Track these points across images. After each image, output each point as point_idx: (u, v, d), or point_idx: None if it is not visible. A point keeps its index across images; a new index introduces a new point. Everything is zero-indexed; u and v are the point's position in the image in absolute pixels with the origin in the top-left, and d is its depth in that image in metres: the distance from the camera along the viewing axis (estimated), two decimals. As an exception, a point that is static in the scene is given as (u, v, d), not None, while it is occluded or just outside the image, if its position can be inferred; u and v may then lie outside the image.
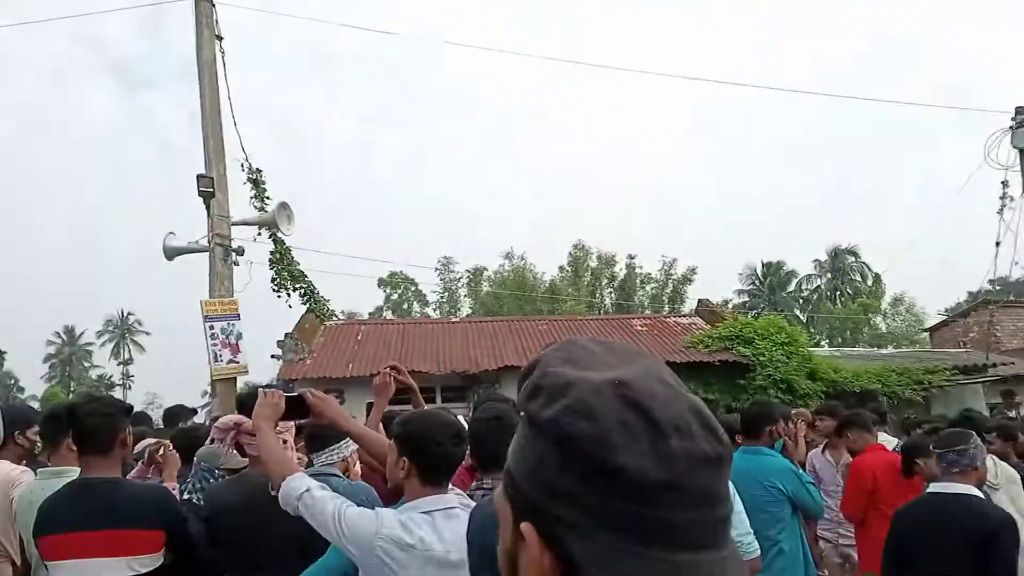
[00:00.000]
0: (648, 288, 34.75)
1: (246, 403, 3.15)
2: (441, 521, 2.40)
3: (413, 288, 39.31)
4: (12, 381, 59.06)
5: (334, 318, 17.05)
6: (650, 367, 0.76)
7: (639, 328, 17.13)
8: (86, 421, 2.99)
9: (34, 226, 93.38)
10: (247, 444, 3.18)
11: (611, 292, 35.14)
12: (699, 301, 19.36)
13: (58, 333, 62.96)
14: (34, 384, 58.12)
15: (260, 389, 2.93)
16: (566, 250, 35.24)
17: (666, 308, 31.52)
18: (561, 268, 35.30)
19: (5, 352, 57.71)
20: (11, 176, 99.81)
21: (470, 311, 35.35)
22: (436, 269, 37.89)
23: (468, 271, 37.42)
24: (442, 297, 38.76)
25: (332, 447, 3.29)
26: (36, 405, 26.90)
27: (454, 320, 22.67)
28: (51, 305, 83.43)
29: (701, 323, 17.03)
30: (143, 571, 2.93)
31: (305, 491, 2.45)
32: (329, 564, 2.59)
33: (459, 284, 38.32)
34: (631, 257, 34.40)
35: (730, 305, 35.62)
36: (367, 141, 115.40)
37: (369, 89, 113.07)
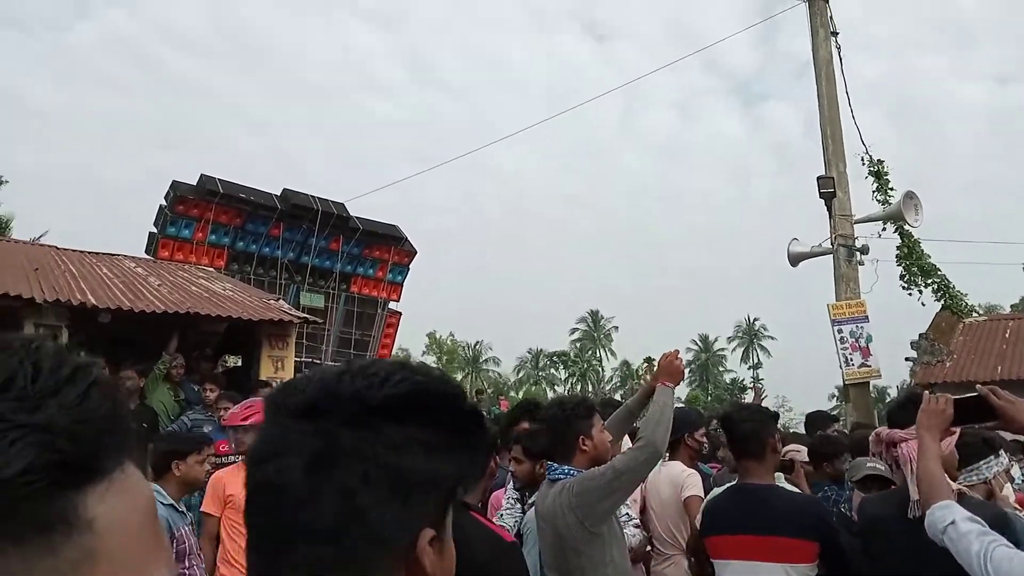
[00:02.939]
0: None
1: (905, 407, 2.81)
2: None
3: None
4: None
5: (973, 314, 15.40)
6: None
7: None
8: (738, 427, 3.15)
9: (670, 244, 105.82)
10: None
11: None
12: None
13: (695, 341, 69.73)
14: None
15: (925, 392, 2.58)
16: None
17: None
18: None
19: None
20: (647, 206, 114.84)
21: None
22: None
23: None
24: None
25: (972, 467, 2.87)
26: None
27: None
28: (690, 316, 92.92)
29: None
30: (800, 579, 2.92)
31: (950, 523, 2.15)
32: None
33: None
34: None
35: None
36: (1004, 104, 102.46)
37: (1002, 44, 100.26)
